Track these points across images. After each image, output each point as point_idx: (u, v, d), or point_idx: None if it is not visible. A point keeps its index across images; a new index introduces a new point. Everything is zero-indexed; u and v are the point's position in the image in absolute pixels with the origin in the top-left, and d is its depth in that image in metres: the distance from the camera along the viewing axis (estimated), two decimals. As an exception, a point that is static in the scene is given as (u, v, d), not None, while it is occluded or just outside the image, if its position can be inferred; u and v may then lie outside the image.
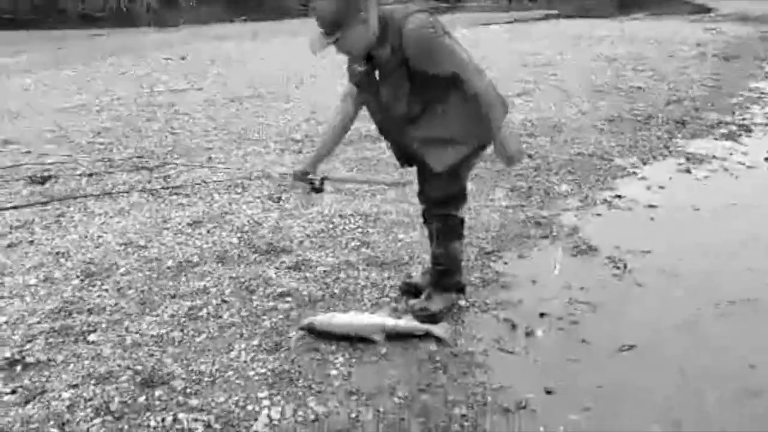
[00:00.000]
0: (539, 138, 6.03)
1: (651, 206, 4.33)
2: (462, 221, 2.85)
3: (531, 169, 5.11)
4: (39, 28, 21.91)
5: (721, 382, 2.47)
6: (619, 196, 4.51)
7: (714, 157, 5.41)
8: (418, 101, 2.54)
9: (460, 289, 3.02)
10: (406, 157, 2.79)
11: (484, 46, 13.38)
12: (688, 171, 5.07)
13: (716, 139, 6.06)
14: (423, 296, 2.94)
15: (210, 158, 5.54)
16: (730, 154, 5.52)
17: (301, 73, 9.86)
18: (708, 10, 27.16)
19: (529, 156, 5.42)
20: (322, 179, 2.96)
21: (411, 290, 3.07)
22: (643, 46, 12.62)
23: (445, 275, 2.90)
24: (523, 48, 12.68)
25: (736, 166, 5.21)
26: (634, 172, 5.06)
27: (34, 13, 24.35)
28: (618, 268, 3.44)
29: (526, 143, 5.81)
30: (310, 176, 2.94)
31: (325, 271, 3.38)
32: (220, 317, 2.96)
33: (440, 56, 2.44)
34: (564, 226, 3.99)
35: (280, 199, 4.49)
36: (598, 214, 4.21)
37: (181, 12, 27.43)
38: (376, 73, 2.57)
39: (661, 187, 4.71)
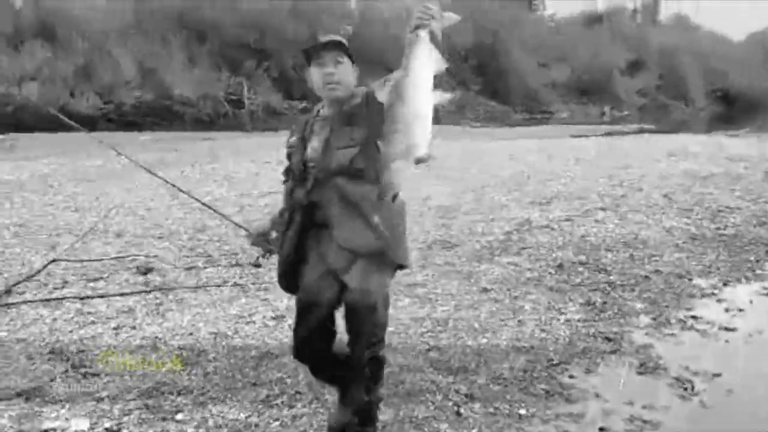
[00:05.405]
0: (618, 253, 6.10)
1: (727, 329, 4.29)
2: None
3: (606, 284, 5.18)
4: (155, 130, 23.92)
5: None
6: (694, 317, 4.49)
7: (802, 282, 5.31)
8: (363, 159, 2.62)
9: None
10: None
11: (571, 157, 13.61)
12: (771, 295, 5.01)
13: (807, 264, 5.93)
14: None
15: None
16: (820, 279, 5.39)
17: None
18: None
19: (606, 271, 5.51)
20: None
21: None
22: (737, 164, 12.49)
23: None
24: (612, 162, 12.82)
25: (825, 292, 5.09)
26: (713, 294, 5.02)
27: (151, 116, 26.68)
28: (685, 389, 3.45)
29: (605, 257, 5.90)
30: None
31: (392, 372, 3.56)
32: (293, 407, 3.19)
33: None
34: (634, 344, 4.03)
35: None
36: (671, 334, 4.21)
37: (282, 120, 29.33)
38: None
39: (741, 310, 4.66)
